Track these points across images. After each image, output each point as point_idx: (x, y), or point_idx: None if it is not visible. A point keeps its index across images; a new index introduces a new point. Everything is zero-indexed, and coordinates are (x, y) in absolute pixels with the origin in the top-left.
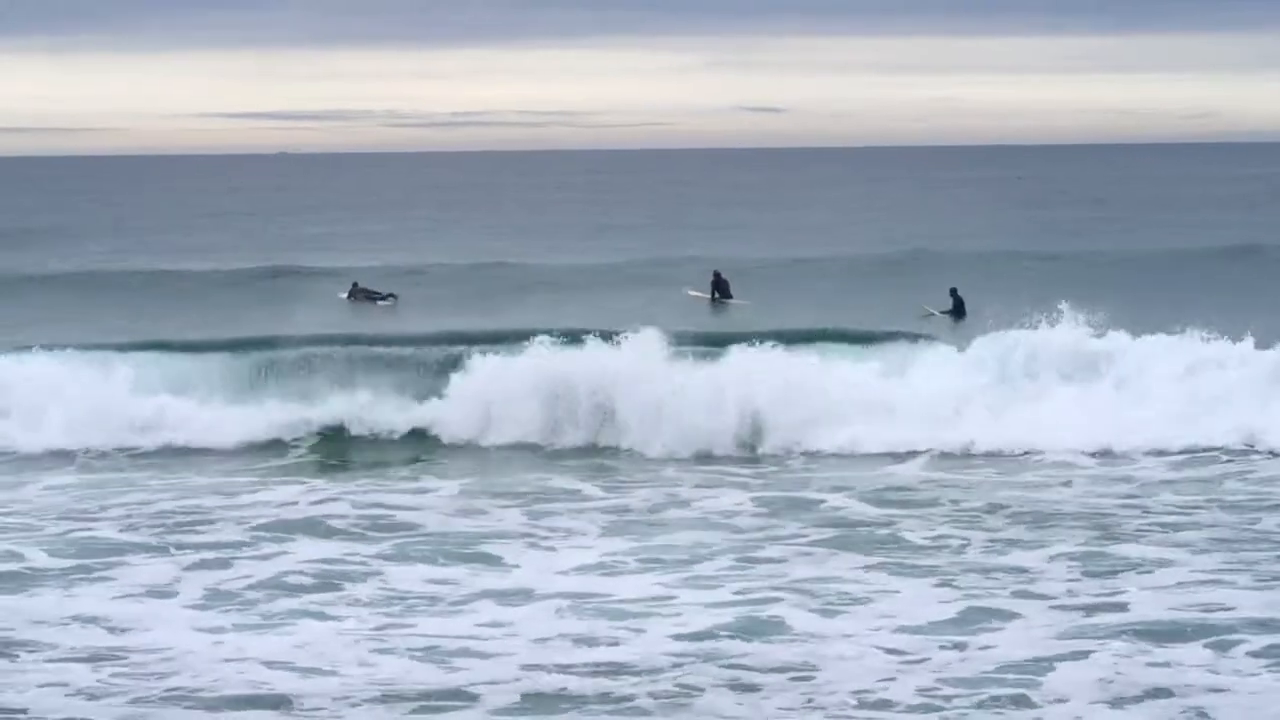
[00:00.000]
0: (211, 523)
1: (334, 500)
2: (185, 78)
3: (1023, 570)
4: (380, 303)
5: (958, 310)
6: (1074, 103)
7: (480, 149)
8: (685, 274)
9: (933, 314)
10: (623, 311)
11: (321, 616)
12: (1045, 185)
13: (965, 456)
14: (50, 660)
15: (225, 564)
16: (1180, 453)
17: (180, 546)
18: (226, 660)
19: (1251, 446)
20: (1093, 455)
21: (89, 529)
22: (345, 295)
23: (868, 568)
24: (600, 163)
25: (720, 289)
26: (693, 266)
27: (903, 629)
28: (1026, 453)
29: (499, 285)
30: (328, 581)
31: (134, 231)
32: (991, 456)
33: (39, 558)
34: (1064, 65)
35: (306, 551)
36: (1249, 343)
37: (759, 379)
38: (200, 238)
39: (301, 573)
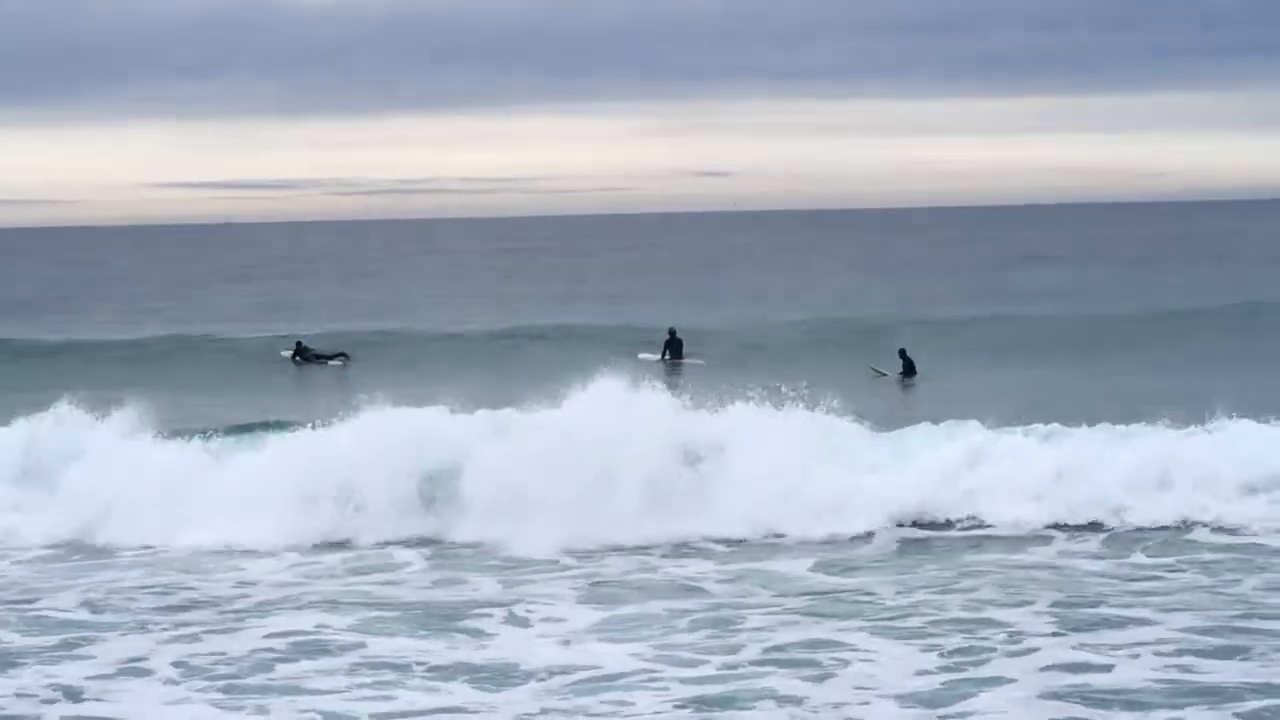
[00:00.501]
0: (186, 599)
1: (308, 576)
2: (134, 149)
3: (1004, 631)
4: (331, 363)
5: (908, 370)
6: (1031, 163)
7: (428, 216)
8: (640, 337)
9: (884, 375)
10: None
11: (299, 691)
12: (1004, 247)
13: (930, 527)
14: None
15: (197, 639)
16: (1145, 524)
17: (156, 624)
18: None
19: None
20: (1055, 525)
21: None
22: (290, 354)
23: (848, 631)
24: (550, 229)
25: (672, 349)
26: (649, 330)
27: (895, 696)
28: (986, 524)
29: (456, 350)
30: (305, 655)
31: (84, 302)
32: (949, 526)
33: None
34: (1022, 126)
35: (282, 625)
36: (1206, 417)
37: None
38: (151, 305)
39: (276, 648)
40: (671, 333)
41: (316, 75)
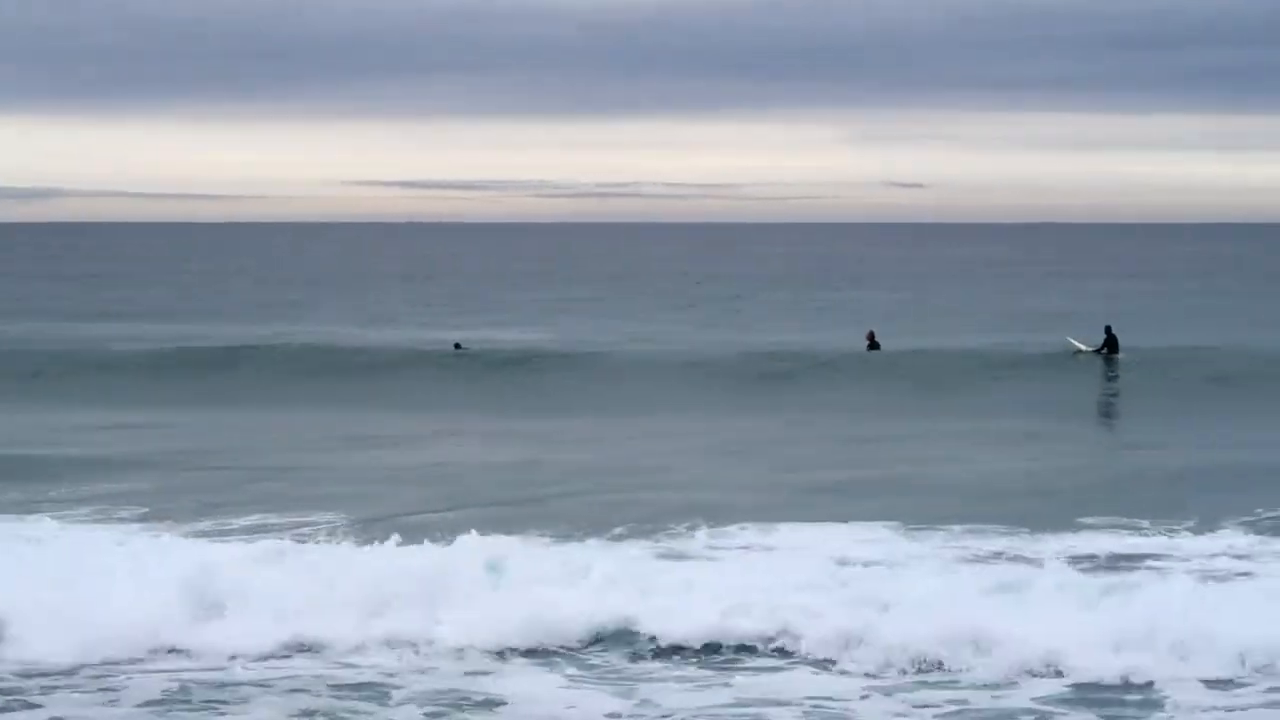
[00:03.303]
0: None
1: None
2: (330, 147)
3: None
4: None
5: (1111, 346)
6: (1222, 179)
7: (627, 220)
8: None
9: (1081, 350)
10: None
11: None
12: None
13: None
14: None
15: None
16: None
17: None
18: None
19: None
20: None
21: None
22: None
23: None
24: (752, 236)
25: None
26: None
27: None
28: None
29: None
30: None
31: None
32: None
33: None
34: (1215, 142)
35: None
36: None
37: None
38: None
39: None
40: (870, 335)
41: (513, 77)
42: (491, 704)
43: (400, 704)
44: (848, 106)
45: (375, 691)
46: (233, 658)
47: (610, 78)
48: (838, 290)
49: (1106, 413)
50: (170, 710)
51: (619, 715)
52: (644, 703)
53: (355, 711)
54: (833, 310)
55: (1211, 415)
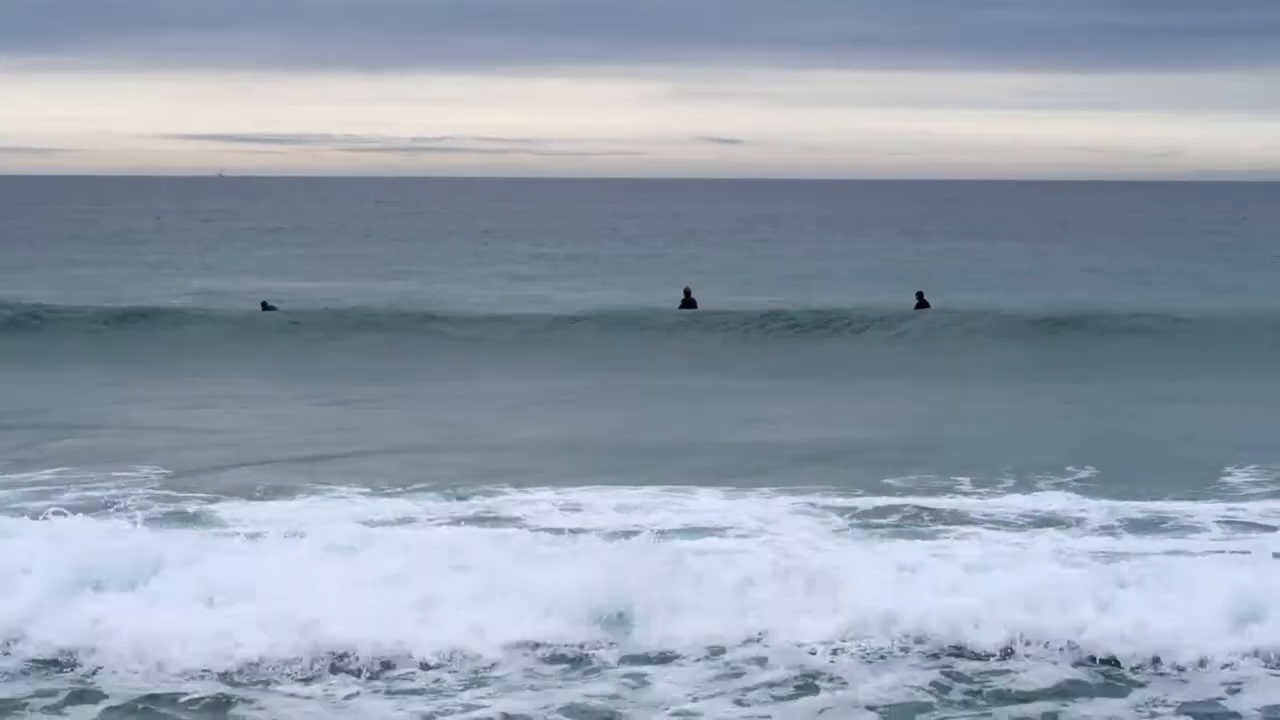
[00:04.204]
0: None
1: None
2: (146, 100)
3: None
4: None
5: (921, 305)
6: (1044, 139)
7: (441, 175)
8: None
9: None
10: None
11: None
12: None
13: None
14: None
15: None
16: None
17: None
18: None
19: None
20: None
21: None
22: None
23: None
24: (566, 190)
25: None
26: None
27: None
28: None
29: None
30: None
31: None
32: None
33: None
34: (1036, 102)
35: None
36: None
37: None
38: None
39: None
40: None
41: (332, 30)
42: None
43: None
44: (663, 64)
45: None
46: None
47: (424, 32)
48: (653, 246)
49: (919, 371)
50: None
51: None
52: None
53: None
54: (650, 267)
55: (1023, 374)
